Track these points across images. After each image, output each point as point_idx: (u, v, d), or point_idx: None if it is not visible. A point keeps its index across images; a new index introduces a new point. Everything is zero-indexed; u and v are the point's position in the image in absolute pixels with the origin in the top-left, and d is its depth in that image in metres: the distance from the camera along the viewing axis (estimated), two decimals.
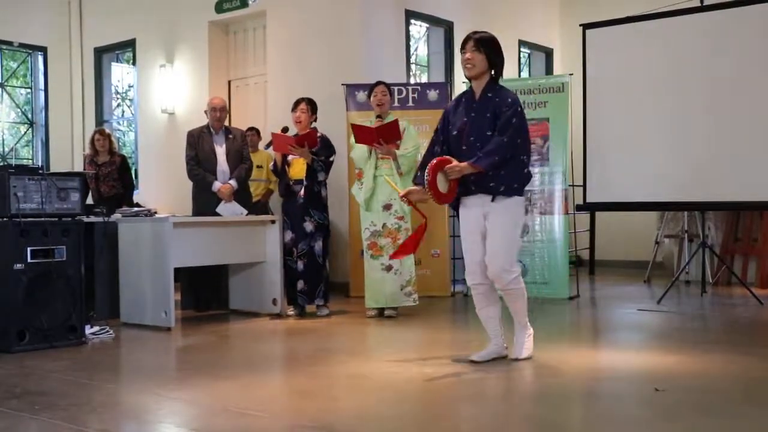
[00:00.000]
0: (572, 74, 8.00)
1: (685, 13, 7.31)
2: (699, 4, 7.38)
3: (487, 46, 4.49)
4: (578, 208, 8.22)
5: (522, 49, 11.24)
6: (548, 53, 11.75)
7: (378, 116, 6.56)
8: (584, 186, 7.82)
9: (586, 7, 10.90)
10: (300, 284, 6.64)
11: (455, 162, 4.41)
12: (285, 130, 6.76)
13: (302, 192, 6.61)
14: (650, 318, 6.46)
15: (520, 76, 10.90)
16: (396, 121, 6.32)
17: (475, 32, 4.56)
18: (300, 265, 6.63)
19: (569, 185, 7.84)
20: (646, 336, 5.84)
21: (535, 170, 7.77)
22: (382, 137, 6.23)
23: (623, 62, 7.58)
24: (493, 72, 4.54)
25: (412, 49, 9.57)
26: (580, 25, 7.91)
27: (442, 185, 4.42)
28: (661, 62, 7.38)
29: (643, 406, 3.69)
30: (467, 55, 4.48)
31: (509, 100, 4.46)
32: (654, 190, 7.39)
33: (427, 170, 4.38)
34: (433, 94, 8.15)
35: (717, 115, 7.09)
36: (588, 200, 7.80)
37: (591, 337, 6.01)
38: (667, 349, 5.09)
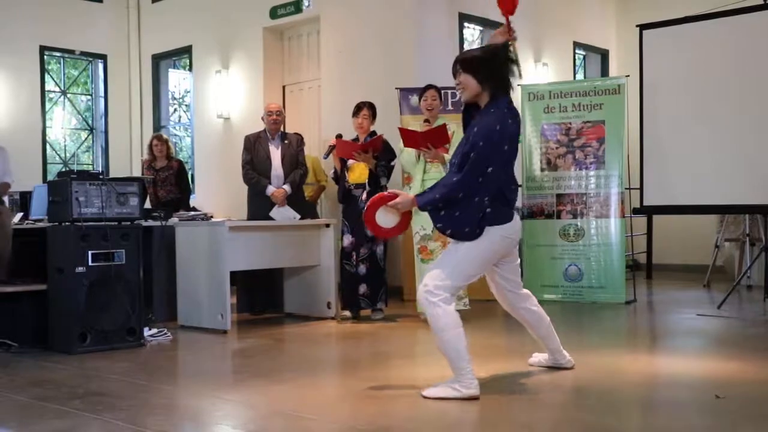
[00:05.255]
0: (629, 76, 7.89)
1: (746, 12, 7.14)
2: (762, 2, 7.20)
3: (469, 67, 4.02)
4: (635, 211, 8.10)
5: (577, 51, 11.11)
6: (604, 54, 11.60)
7: (426, 120, 6.57)
8: (641, 189, 7.70)
9: (643, 7, 10.75)
10: (362, 288, 6.67)
11: (399, 196, 4.11)
12: (339, 137, 6.81)
13: (364, 196, 6.63)
14: (710, 323, 6.32)
15: (575, 78, 10.79)
16: (444, 126, 6.31)
17: (461, 53, 4.26)
18: (362, 269, 6.66)
19: (625, 188, 7.73)
20: (706, 342, 5.72)
21: (591, 173, 7.70)
22: (430, 141, 6.23)
23: (681, 63, 7.44)
24: (490, 91, 4.02)
25: None
26: (637, 26, 7.79)
27: (384, 219, 4.15)
28: (720, 63, 7.22)
29: (703, 413, 3.62)
30: (456, 80, 4.11)
31: (477, 129, 3.94)
32: (713, 192, 7.23)
33: (366, 204, 4.20)
34: None
35: None
36: (645, 203, 7.68)
37: (648, 342, 5.91)
38: (727, 355, 4.99)
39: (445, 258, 4.05)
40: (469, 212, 3.90)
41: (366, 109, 6.78)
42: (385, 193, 4.20)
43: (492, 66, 4.02)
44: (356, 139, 6.81)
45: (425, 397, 3.90)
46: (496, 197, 3.96)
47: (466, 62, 4.05)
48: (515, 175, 4.25)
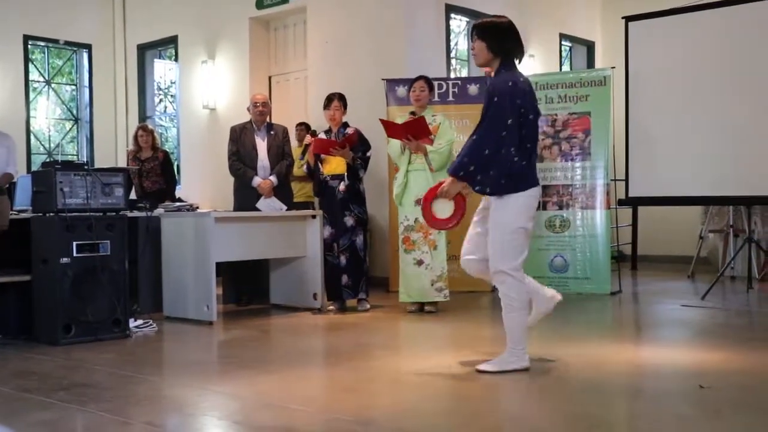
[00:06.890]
0: (614, 67, 7.91)
1: (732, 4, 7.16)
2: None
3: (486, 33, 4.15)
4: (620, 202, 8.13)
5: (563, 43, 11.13)
6: (590, 46, 11.63)
7: (412, 112, 6.56)
8: (626, 180, 7.73)
9: None
10: (344, 279, 6.69)
11: (444, 182, 4.24)
12: (313, 134, 6.85)
13: (342, 187, 6.64)
14: (694, 314, 6.37)
15: (561, 69, 10.80)
16: (422, 118, 6.32)
17: (479, 20, 4.31)
18: (342, 259, 6.67)
19: (611, 180, 7.75)
20: (690, 332, 5.75)
21: (577, 164, 7.72)
22: (410, 133, 6.25)
23: (667, 55, 7.46)
24: (502, 59, 4.16)
25: (452, 44, 9.54)
26: (623, 18, 7.81)
27: (440, 211, 4.35)
28: (706, 54, 7.24)
29: (688, 403, 3.64)
30: (472, 45, 4.27)
31: (491, 87, 4.12)
32: (698, 184, 7.27)
33: (422, 203, 4.45)
34: (473, 89, 8.12)
35: (765, 108, 6.94)
36: (630, 195, 7.71)
37: (633, 333, 5.95)
38: (711, 345, 5.02)
39: (491, 241, 4.09)
40: (500, 165, 3.99)
41: (336, 100, 6.79)
42: (433, 185, 4.39)
43: (504, 35, 4.15)
44: (329, 131, 6.81)
45: (481, 372, 4.07)
46: (523, 156, 4.04)
47: (479, 29, 4.18)
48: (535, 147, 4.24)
